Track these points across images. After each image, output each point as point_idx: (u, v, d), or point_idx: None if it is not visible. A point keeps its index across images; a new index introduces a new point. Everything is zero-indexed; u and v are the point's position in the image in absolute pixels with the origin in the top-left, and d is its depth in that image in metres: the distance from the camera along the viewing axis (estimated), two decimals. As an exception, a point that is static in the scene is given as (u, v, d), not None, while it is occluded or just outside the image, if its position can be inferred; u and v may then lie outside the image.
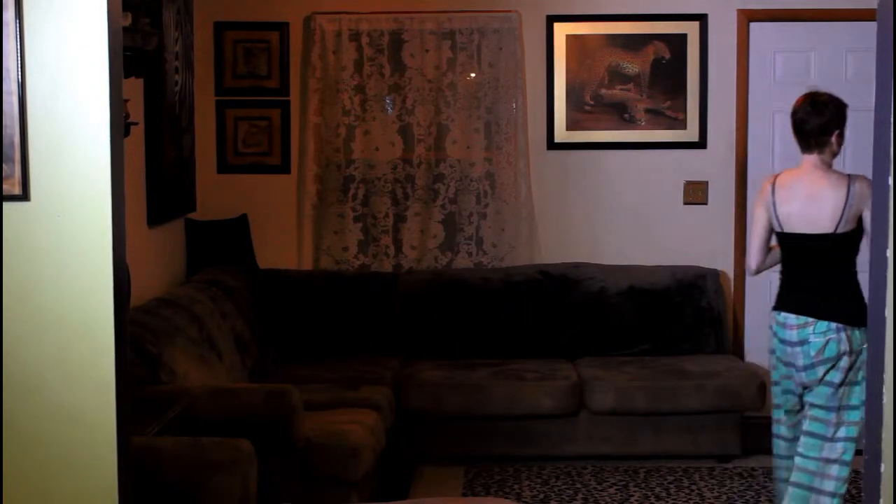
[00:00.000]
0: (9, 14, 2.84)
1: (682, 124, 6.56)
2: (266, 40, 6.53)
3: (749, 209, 6.57)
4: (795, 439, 4.47)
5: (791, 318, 4.30)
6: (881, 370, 2.45)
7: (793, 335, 4.31)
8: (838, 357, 4.27)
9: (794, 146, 6.44)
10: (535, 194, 6.56)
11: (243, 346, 5.74)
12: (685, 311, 6.36)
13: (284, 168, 6.60)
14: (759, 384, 5.81)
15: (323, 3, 6.50)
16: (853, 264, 4.35)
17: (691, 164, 6.58)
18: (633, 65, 6.54)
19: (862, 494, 2.64)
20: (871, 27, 2.84)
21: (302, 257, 6.60)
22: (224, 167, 6.60)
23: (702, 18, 6.51)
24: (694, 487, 5.47)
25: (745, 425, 5.95)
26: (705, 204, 6.59)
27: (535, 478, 5.61)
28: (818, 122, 4.33)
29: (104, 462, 2.92)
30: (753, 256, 4.50)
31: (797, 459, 4.39)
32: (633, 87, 6.55)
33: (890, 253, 2.44)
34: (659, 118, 6.57)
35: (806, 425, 4.39)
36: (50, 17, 2.86)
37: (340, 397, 5.35)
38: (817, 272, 4.34)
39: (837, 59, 6.49)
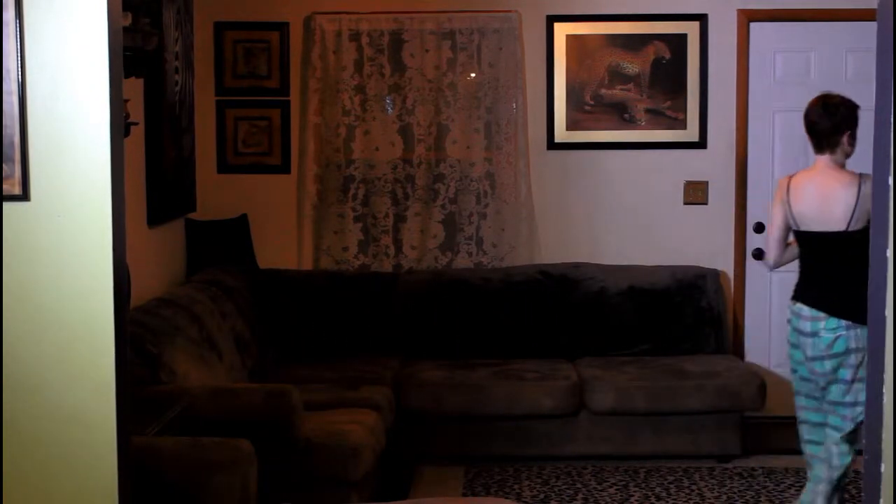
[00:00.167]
0: (9, 14, 2.84)
1: (682, 124, 6.56)
2: (266, 40, 6.53)
3: (756, 208, 6.59)
4: (821, 425, 4.58)
5: (805, 310, 4.48)
6: (881, 370, 2.45)
7: (806, 326, 4.47)
8: (846, 353, 4.41)
9: (794, 146, 6.50)
10: (535, 194, 6.56)
11: (243, 346, 5.74)
12: (685, 311, 6.36)
13: (284, 168, 6.60)
14: (759, 384, 5.81)
15: (323, 3, 6.50)
16: (866, 262, 4.41)
17: (691, 164, 6.58)
18: (633, 65, 6.54)
19: (862, 494, 2.64)
20: (871, 27, 2.84)
21: (302, 257, 6.60)
22: (224, 167, 6.60)
23: (702, 18, 6.51)
24: (694, 487, 5.47)
25: (745, 425, 5.95)
26: (705, 204, 6.59)
27: (535, 478, 5.61)
28: (829, 123, 4.46)
29: (104, 462, 2.92)
30: (772, 252, 4.68)
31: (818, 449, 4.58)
32: (633, 87, 6.55)
33: (890, 253, 2.44)
34: (659, 118, 6.57)
35: (829, 420, 4.56)
36: (50, 17, 2.86)
37: (340, 397, 5.34)
38: (831, 269, 4.47)
39: (837, 59, 6.49)
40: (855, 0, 6.33)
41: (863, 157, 4.41)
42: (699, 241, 6.58)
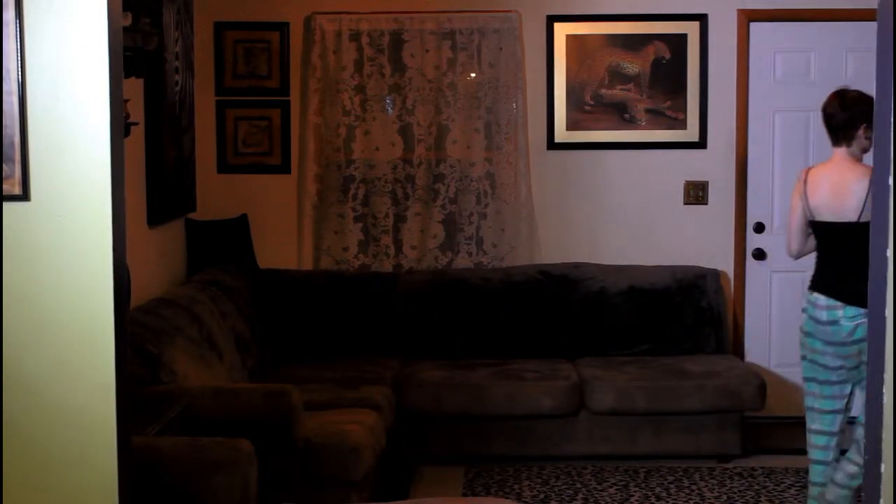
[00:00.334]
0: (9, 14, 2.84)
1: (682, 124, 6.56)
2: (266, 40, 6.53)
3: (756, 208, 6.59)
4: (832, 412, 4.61)
5: (821, 300, 4.55)
6: (881, 370, 2.45)
7: (822, 315, 4.54)
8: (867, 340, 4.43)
9: (794, 146, 6.51)
10: (535, 194, 6.56)
11: (243, 346, 5.74)
12: (685, 311, 6.36)
13: (284, 168, 6.60)
14: (759, 384, 5.81)
15: (323, 3, 6.50)
16: None
17: (691, 164, 6.58)
18: (633, 65, 6.54)
19: (862, 494, 2.64)
20: (871, 27, 2.84)
21: (302, 257, 6.60)
22: (224, 167, 6.60)
23: (702, 18, 6.51)
24: (694, 487, 5.47)
25: (745, 425, 5.95)
26: (705, 204, 6.59)
27: (535, 478, 5.61)
28: (845, 116, 4.56)
29: (104, 462, 2.92)
30: (793, 242, 4.76)
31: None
32: (633, 87, 6.55)
33: (890, 253, 2.44)
34: (659, 118, 6.57)
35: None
36: (50, 17, 2.86)
37: (340, 397, 5.35)
38: (845, 259, 4.54)
39: (837, 59, 6.49)
40: (855, 0, 6.33)
41: (865, 157, 4.45)
42: (699, 241, 6.58)
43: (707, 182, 6.58)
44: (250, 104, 6.56)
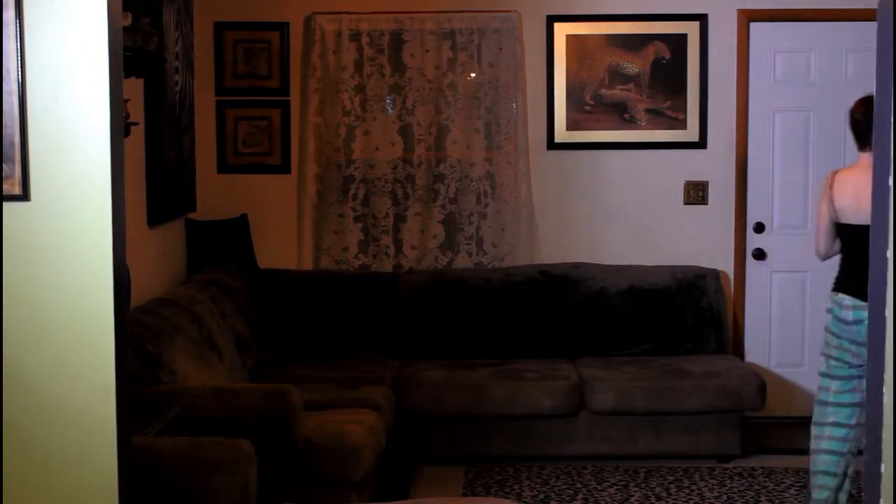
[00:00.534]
0: (9, 14, 2.84)
1: (682, 124, 6.56)
2: (266, 40, 6.53)
3: (756, 208, 6.59)
4: (852, 405, 4.69)
5: (847, 300, 4.62)
6: (881, 370, 2.45)
7: (848, 315, 4.62)
8: None
9: (794, 146, 6.52)
10: (535, 194, 6.56)
11: (243, 346, 5.74)
12: (685, 311, 6.36)
13: (284, 168, 6.60)
14: (759, 384, 5.81)
15: (323, 3, 6.50)
16: None
17: (691, 164, 6.58)
18: (633, 65, 6.54)
19: (862, 494, 2.64)
20: (871, 27, 2.84)
21: (302, 257, 6.60)
22: (224, 167, 6.60)
23: (702, 18, 6.51)
24: (694, 487, 5.47)
25: (745, 425, 5.95)
26: (705, 204, 6.59)
27: (535, 478, 5.61)
28: (870, 120, 4.57)
29: (104, 462, 2.92)
30: (820, 244, 4.85)
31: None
32: (633, 87, 6.55)
33: (890, 253, 2.44)
34: (659, 118, 6.57)
35: None
36: (50, 17, 2.86)
37: (340, 397, 5.35)
38: (868, 259, 4.56)
39: (837, 59, 6.49)
40: (855, 0, 6.33)
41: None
42: (699, 241, 6.58)
43: (707, 182, 6.58)
44: (250, 104, 6.56)
